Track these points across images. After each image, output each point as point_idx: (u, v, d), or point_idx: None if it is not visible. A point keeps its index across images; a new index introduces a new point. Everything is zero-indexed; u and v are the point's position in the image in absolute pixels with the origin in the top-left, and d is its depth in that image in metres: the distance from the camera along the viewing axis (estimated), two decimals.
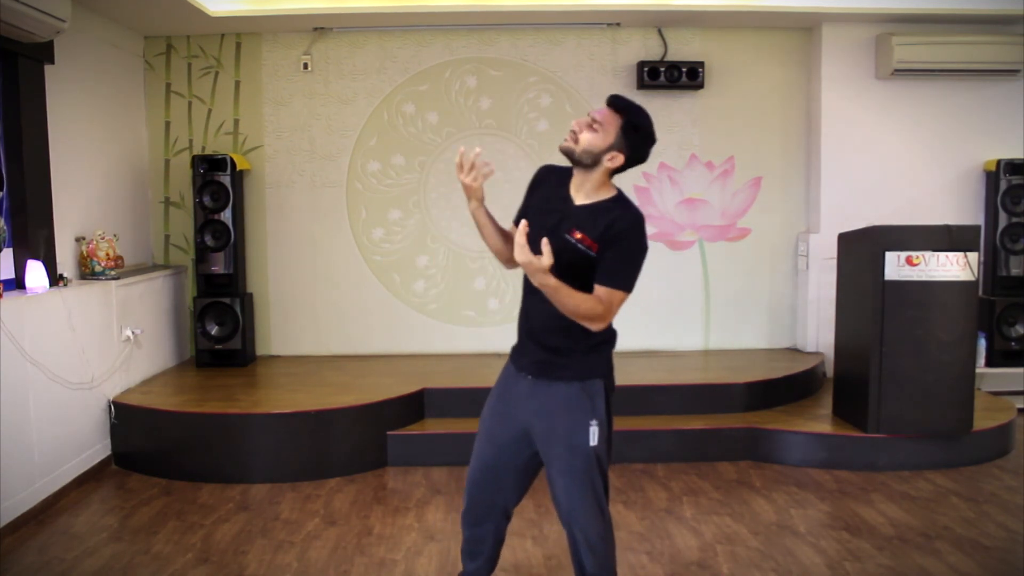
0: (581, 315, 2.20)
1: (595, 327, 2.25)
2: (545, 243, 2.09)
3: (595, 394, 2.37)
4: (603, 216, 2.27)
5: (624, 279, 2.24)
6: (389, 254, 5.71)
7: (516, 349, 2.50)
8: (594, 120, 2.28)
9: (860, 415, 4.28)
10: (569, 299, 2.17)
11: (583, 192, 2.33)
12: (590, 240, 2.25)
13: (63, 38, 4.11)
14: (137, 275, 4.92)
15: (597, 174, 2.31)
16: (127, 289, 4.71)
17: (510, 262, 2.38)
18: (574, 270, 2.23)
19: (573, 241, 2.25)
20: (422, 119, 5.59)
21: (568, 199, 2.35)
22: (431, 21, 5.40)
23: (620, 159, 2.30)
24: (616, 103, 2.33)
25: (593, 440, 2.33)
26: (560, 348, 2.35)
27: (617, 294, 2.23)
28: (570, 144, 2.29)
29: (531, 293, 2.36)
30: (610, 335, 2.40)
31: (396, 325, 5.71)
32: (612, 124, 2.29)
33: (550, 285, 2.13)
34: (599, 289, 2.23)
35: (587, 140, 2.27)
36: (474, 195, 2.38)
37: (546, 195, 2.40)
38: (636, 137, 2.33)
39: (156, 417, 4.33)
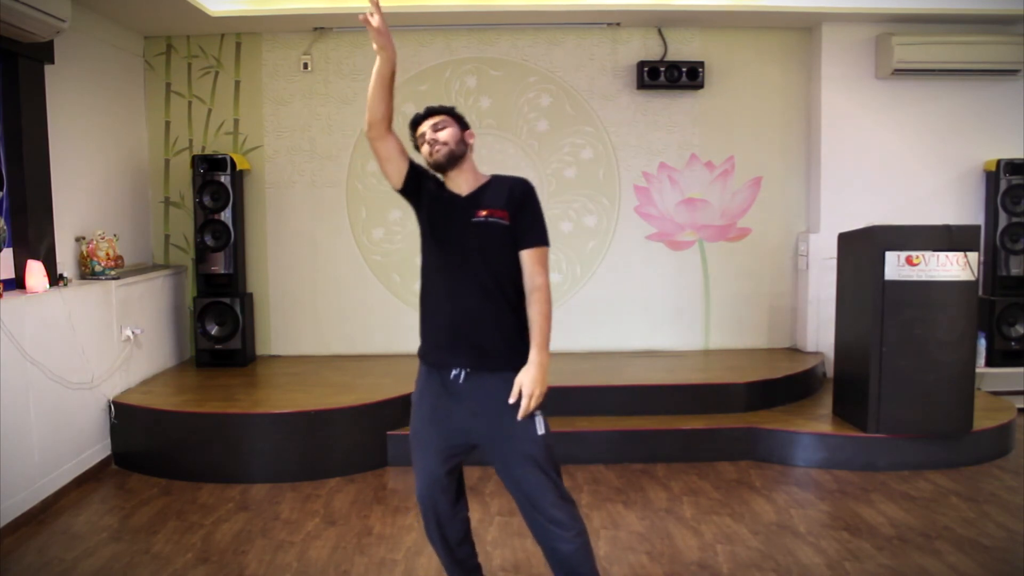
0: (550, 299, 2.41)
1: (549, 301, 2.43)
2: (459, 217, 2.42)
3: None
4: (497, 189, 2.48)
5: (543, 235, 2.46)
6: (389, 254, 5.71)
7: (435, 348, 2.52)
8: (435, 124, 2.48)
9: (860, 415, 4.28)
10: (543, 325, 2.38)
11: (463, 185, 2.50)
12: (499, 211, 2.42)
13: (63, 38, 4.11)
14: (137, 275, 4.92)
15: (468, 161, 2.50)
16: (127, 289, 4.71)
17: (375, 126, 2.44)
18: (495, 244, 2.40)
19: (483, 220, 2.41)
20: None
21: (454, 195, 2.50)
22: (431, 21, 5.40)
23: (471, 134, 2.53)
24: (432, 110, 2.53)
25: (541, 429, 2.40)
26: (495, 333, 2.41)
27: (544, 250, 2.45)
28: (440, 150, 2.45)
29: (449, 287, 2.45)
30: (526, 318, 2.45)
31: (396, 325, 5.71)
32: (446, 118, 2.50)
33: (540, 350, 2.37)
34: (530, 252, 2.42)
35: (448, 135, 2.46)
36: (388, 49, 2.36)
37: (434, 195, 2.52)
38: (460, 118, 2.54)
39: (156, 417, 4.33)
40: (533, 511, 2.43)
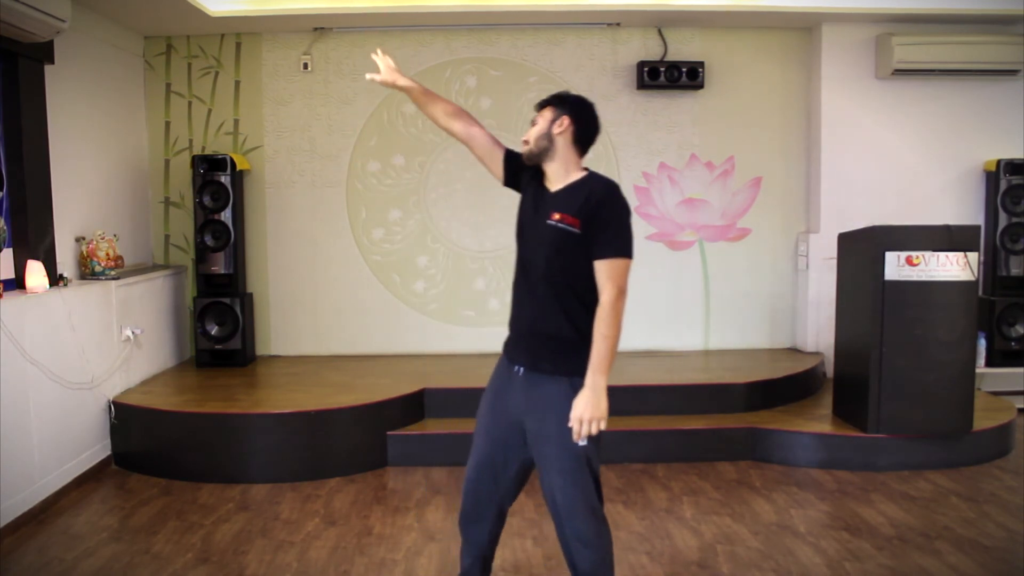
0: (617, 318, 2.27)
1: (622, 303, 2.29)
2: (540, 212, 2.36)
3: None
4: (578, 193, 2.34)
5: (620, 246, 2.29)
6: (389, 254, 5.71)
7: (509, 341, 2.51)
8: (532, 123, 2.43)
9: (860, 415, 4.27)
10: (605, 351, 2.27)
11: (555, 179, 2.42)
12: (570, 218, 2.29)
13: (63, 38, 4.11)
14: (137, 275, 4.92)
15: (560, 155, 2.39)
16: (127, 289, 4.71)
17: (451, 132, 2.55)
18: (563, 251, 2.30)
19: (553, 223, 2.31)
20: (422, 119, 5.58)
21: (544, 190, 2.42)
22: (431, 21, 5.40)
23: (567, 121, 2.37)
24: (541, 103, 2.45)
25: (582, 440, 2.33)
26: (551, 341, 2.37)
27: (621, 263, 2.28)
28: (527, 148, 2.41)
29: (524, 285, 2.42)
30: (585, 334, 2.38)
31: (396, 325, 5.71)
32: (545, 112, 2.41)
33: (598, 373, 2.27)
34: (602, 264, 2.27)
35: (534, 131, 2.40)
36: (404, 90, 2.56)
37: (526, 192, 2.48)
38: (569, 102, 2.42)
39: (156, 417, 4.33)
40: (559, 519, 2.41)
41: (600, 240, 2.27)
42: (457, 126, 2.53)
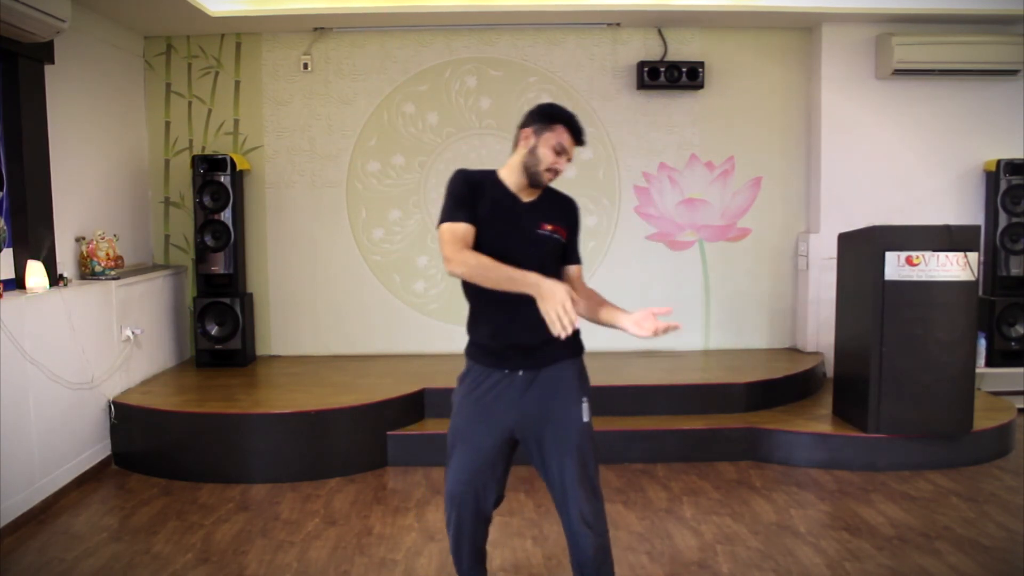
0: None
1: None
2: (522, 222, 2.40)
3: (582, 372, 2.50)
4: (555, 205, 2.49)
5: (579, 251, 2.56)
6: (389, 254, 5.71)
7: (494, 351, 2.46)
8: (568, 157, 2.43)
9: (860, 415, 4.28)
10: (600, 297, 2.49)
11: (525, 193, 2.45)
12: (561, 229, 2.45)
13: (63, 38, 4.11)
14: (137, 275, 4.92)
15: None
16: (127, 289, 4.71)
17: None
18: (552, 258, 2.44)
19: (547, 233, 2.42)
20: (422, 119, 5.59)
21: (514, 199, 2.44)
22: (431, 21, 5.40)
23: (527, 130, 2.45)
24: (578, 133, 2.44)
25: (585, 416, 2.42)
26: (545, 342, 2.35)
27: (581, 268, 2.57)
28: (552, 178, 2.43)
29: (509, 304, 2.31)
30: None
31: (396, 325, 5.71)
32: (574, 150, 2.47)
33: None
34: (573, 268, 2.52)
35: (564, 167, 2.45)
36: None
37: (494, 201, 2.40)
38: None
39: (156, 417, 4.33)
40: (566, 502, 2.42)
41: (574, 249, 2.53)
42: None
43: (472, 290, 2.45)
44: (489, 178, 2.46)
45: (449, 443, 2.52)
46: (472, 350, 2.54)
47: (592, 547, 2.42)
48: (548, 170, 2.39)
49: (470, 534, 2.54)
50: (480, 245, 2.37)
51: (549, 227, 2.41)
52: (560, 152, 2.38)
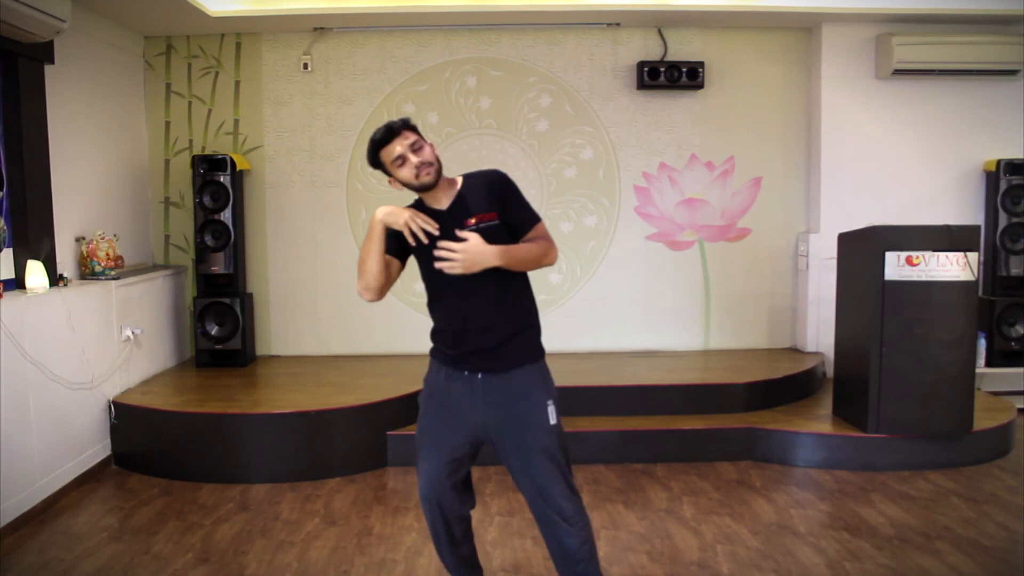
0: (536, 259, 2.40)
1: (551, 259, 2.44)
2: (469, 235, 2.32)
3: (545, 374, 2.49)
4: (475, 192, 2.43)
5: (532, 213, 2.46)
6: None
7: (452, 353, 2.48)
8: (412, 146, 2.39)
9: (860, 415, 4.27)
10: (526, 251, 2.37)
11: (442, 199, 2.45)
12: (486, 215, 2.38)
13: (63, 38, 4.11)
14: (137, 275, 4.92)
15: (442, 175, 2.43)
16: (127, 289, 4.71)
17: (377, 291, 2.45)
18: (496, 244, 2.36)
19: (474, 227, 2.37)
20: (422, 119, 5.59)
21: (435, 213, 2.44)
22: (431, 21, 5.40)
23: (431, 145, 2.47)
24: (393, 130, 2.43)
25: (552, 419, 2.43)
26: (512, 335, 2.43)
27: (541, 226, 2.46)
28: (429, 172, 2.39)
29: (456, 300, 2.42)
30: (535, 316, 2.52)
31: (396, 325, 5.71)
32: (416, 136, 2.43)
33: (499, 253, 2.30)
34: (532, 232, 2.43)
35: (430, 154, 2.40)
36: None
37: (419, 238, 2.42)
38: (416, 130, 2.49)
39: (156, 417, 4.33)
40: (542, 503, 2.44)
41: (520, 218, 2.43)
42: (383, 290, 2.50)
43: (430, 292, 2.50)
44: (413, 206, 2.48)
45: (416, 444, 2.57)
46: (434, 351, 2.57)
47: (577, 541, 2.44)
48: (416, 176, 2.37)
49: (446, 534, 2.57)
50: (426, 277, 2.46)
51: (473, 220, 2.37)
52: (403, 161, 2.38)
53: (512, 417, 2.42)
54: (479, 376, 2.45)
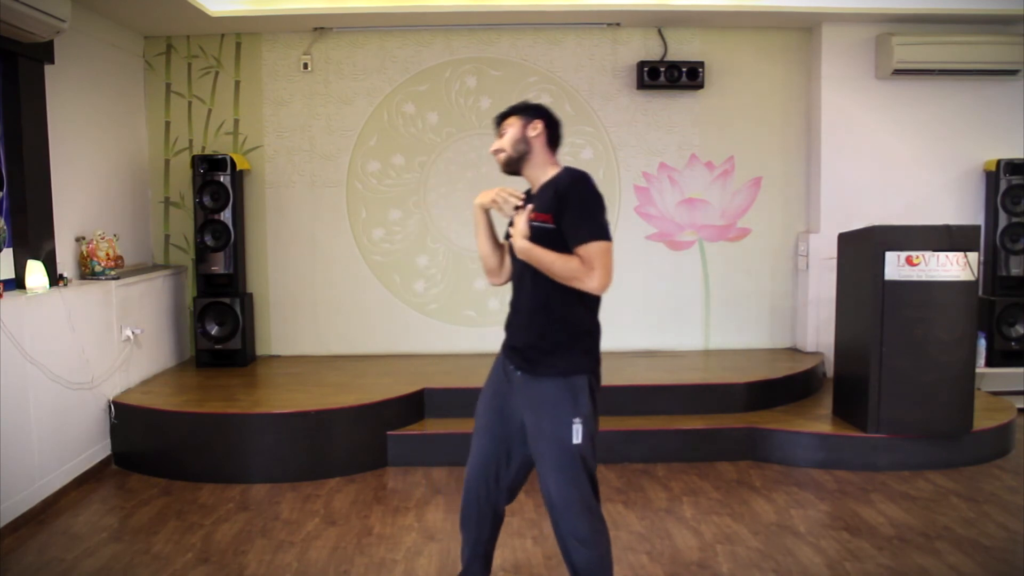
0: (560, 273, 2.30)
1: (586, 284, 2.29)
2: (518, 218, 2.36)
3: (579, 391, 2.39)
4: (549, 188, 2.41)
5: (593, 230, 2.30)
6: (389, 254, 5.71)
7: (505, 343, 2.56)
8: (498, 134, 2.50)
9: (860, 415, 4.27)
10: (545, 256, 2.31)
11: (536, 184, 2.50)
12: (543, 215, 2.35)
13: (63, 38, 4.11)
14: (137, 275, 4.92)
15: (537, 157, 2.47)
16: (127, 289, 4.71)
17: (494, 273, 2.60)
18: (545, 247, 2.35)
19: (531, 223, 2.37)
20: (422, 119, 5.59)
21: (528, 196, 2.49)
22: (431, 21, 5.40)
23: (539, 124, 2.46)
24: (500, 116, 2.53)
25: (576, 438, 2.36)
26: (543, 341, 2.41)
27: (593, 246, 2.28)
28: (502, 155, 2.47)
29: (518, 286, 2.49)
30: (593, 327, 2.45)
31: (396, 325, 5.71)
32: (510, 121, 2.48)
33: (526, 247, 2.33)
34: (579, 251, 2.30)
35: (507, 138, 2.46)
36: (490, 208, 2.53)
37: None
38: (532, 108, 2.50)
39: (156, 417, 4.33)
40: (555, 517, 2.43)
41: (571, 228, 2.30)
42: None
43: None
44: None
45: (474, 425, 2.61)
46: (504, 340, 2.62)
47: (587, 561, 2.42)
48: (496, 154, 2.50)
49: (475, 522, 2.56)
50: (513, 259, 2.53)
51: (533, 215, 2.38)
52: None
53: (538, 427, 2.41)
54: (518, 374, 2.47)
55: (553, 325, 2.39)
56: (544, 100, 5.59)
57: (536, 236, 2.34)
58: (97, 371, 4.33)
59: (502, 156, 2.46)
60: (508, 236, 2.47)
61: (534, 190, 2.48)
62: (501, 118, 2.50)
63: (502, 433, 2.49)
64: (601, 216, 2.32)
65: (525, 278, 2.44)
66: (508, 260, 2.56)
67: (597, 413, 2.45)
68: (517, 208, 2.42)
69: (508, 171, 2.48)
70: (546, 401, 2.38)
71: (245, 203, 5.50)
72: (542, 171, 2.47)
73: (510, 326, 2.53)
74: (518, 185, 2.53)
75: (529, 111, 2.48)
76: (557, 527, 2.44)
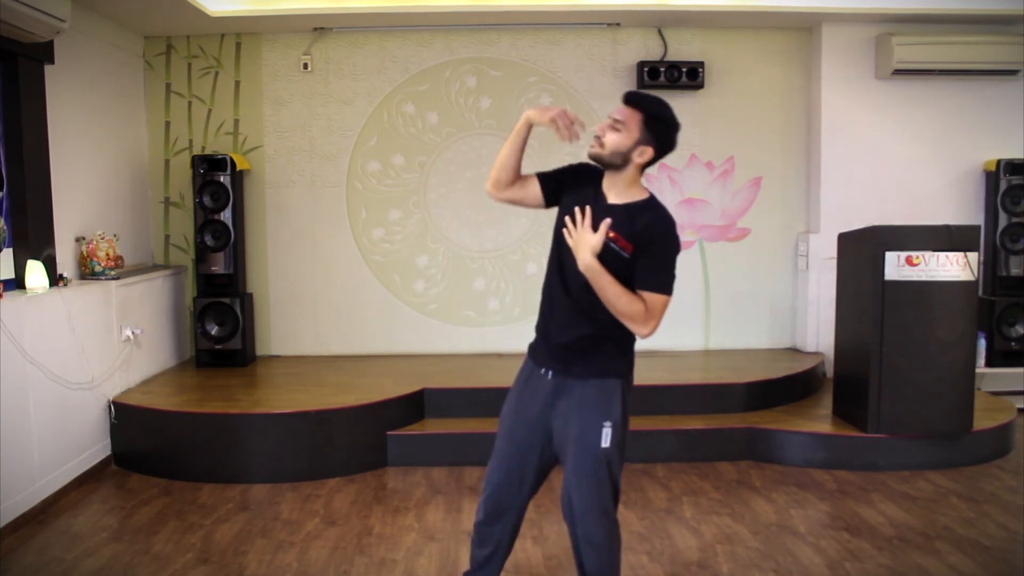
0: (622, 310, 2.23)
1: (638, 330, 2.27)
2: (582, 232, 2.23)
3: (612, 394, 2.37)
4: (638, 217, 2.27)
5: (665, 283, 2.26)
6: (389, 254, 5.71)
7: (536, 345, 2.50)
8: (616, 121, 2.28)
9: (860, 415, 4.27)
10: (611, 288, 2.21)
11: (614, 191, 2.34)
12: (624, 241, 2.24)
13: (63, 38, 4.11)
14: (137, 275, 4.92)
15: (628, 172, 2.31)
16: (127, 289, 4.71)
17: (499, 185, 2.44)
18: (610, 268, 2.24)
19: (608, 241, 2.24)
20: (422, 119, 5.59)
21: (600, 197, 2.34)
22: (431, 21, 5.40)
23: (649, 152, 2.29)
24: (632, 99, 2.31)
25: (605, 442, 2.33)
26: (581, 344, 2.36)
27: (660, 298, 2.25)
28: (597, 149, 2.30)
29: (558, 288, 2.38)
30: (621, 335, 2.37)
31: (396, 325, 5.71)
32: (634, 121, 2.27)
33: (595, 268, 2.20)
34: (642, 294, 2.24)
35: (613, 141, 2.27)
36: (541, 123, 2.39)
37: (580, 191, 2.38)
38: (659, 127, 2.29)
39: (156, 417, 4.33)
40: (572, 520, 2.41)
41: (646, 272, 2.25)
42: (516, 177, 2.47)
43: (551, 258, 2.44)
44: (592, 172, 2.39)
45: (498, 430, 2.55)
46: (531, 344, 2.54)
47: (597, 564, 2.41)
48: (591, 144, 2.32)
49: (487, 525, 2.54)
50: (555, 238, 2.40)
51: (613, 234, 2.23)
52: (598, 130, 2.31)
53: (567, 429, 2.38)
54: (549, 375, 2.42)
55: (598, 331, 2.34)
56: (544, 100, 5.60)
57: (609, 255, 2.24)
58: (97, 371, 4.33)
59: (596, 151, 2.29)
60: (563, 225, 2.31)
61: (609, 198, 2.33)
62: (627, 101, 2.29)
63: (524, 437, 2.45)
64: (674, 269, 2.29)
65: (578, 275, 2.28)
66: (517, 185, 2.43)
67: (628, 420, 2.41)
68: (580, 206, 2.29)
69: (593, 160, 2.33)
70: (578, 404, 2.36)
71: (245, 203, 5.50)
72: (626, 188, 2.32)
73: (544, 326, 2.45)
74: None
75: (653, 129, 2.26)
76: (573, 529, 2.42)
